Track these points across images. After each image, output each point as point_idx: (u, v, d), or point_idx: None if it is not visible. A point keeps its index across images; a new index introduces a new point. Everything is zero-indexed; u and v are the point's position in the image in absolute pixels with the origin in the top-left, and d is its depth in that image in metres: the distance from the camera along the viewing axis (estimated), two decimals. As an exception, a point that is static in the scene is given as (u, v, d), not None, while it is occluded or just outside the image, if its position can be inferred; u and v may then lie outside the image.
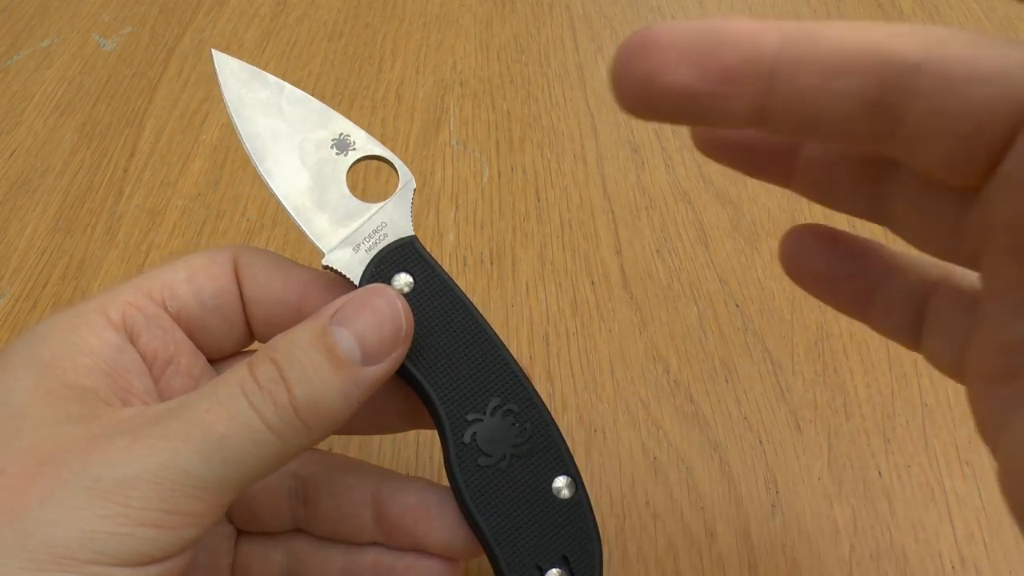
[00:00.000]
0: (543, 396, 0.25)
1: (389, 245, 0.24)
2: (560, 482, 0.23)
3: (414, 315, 0.23)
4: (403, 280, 0.23)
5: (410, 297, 0.23)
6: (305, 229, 0.24)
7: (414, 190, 0.24)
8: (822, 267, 0.23)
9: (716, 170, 0.43)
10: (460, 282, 0.24)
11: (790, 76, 0.18)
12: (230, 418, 0.19)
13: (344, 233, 0.24)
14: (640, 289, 0.38)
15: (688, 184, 0.42)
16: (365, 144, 0.25)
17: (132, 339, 0.22)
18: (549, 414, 0.24)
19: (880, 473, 0.31)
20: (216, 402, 0.19)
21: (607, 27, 0.52)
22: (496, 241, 0.40)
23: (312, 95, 0.25)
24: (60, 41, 0.52)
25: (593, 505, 0.24)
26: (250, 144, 0.24)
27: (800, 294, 0.37)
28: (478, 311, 0.24)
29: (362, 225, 0.24)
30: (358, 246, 0.24)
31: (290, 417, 0.20)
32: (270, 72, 0.25)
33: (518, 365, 0.24)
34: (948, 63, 0.17)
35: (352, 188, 0.24)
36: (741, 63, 0.18)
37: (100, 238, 0.41)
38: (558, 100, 0.47)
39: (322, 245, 0.24)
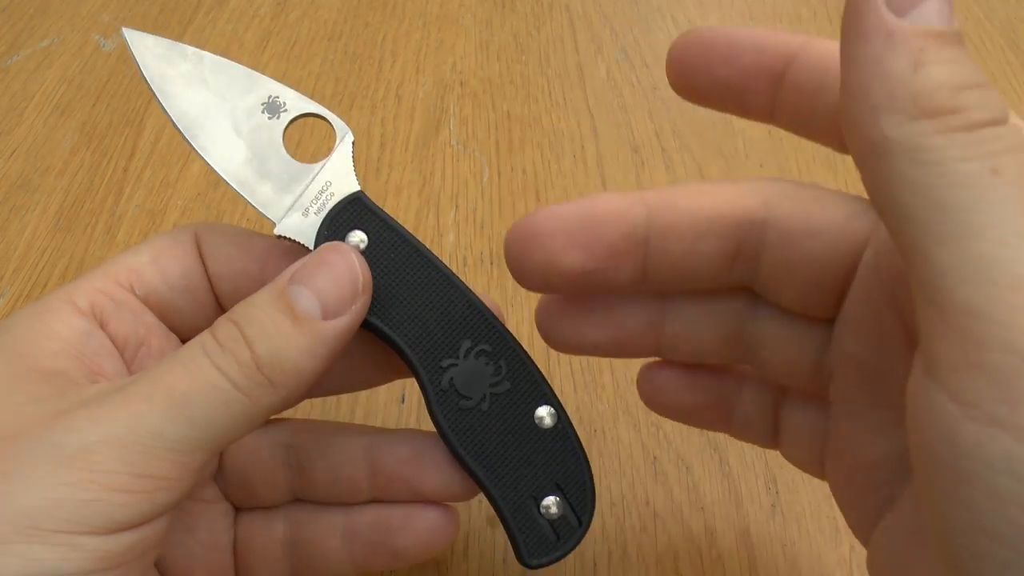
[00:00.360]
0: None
1: (337, 204, 0.23)
2: (542, 412, 0.23)
3: (372, 270, 0.23)
4: (357, 237, 0.23)
5: (366, 253, 0.23)
6: (251, 201, 0.23)
7: (353, 143, 0.24)
8: (682, 402, 0.24)
9: (716, 170, 0.43)
10: (460, 282, 0.24)
11: (662, 244, 0.21)
12: (192, 377, 0.19)
13: (290, 199, 0.23)
14: (640, 289, 0.38)
15: (688, 184, 0.42)
16: (296, 103, 0.24)
17: (102, 325, 0.22)
18: (523, 349, 0.24)
19: (880, 473, 0.31)
20: (177, 364, 0.19)
21: (607, 27, 0.52)
22: (496, 241, 0.40)
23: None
24: (60, 41, 0.52)
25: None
26: (180, 122, 0.23)
27: (800, 294, 0.37)
28: (437, 258, 0.24)
29: (307, 188, 0.23)
30: (307, 210, 0.23)
31: (254, 374, 0.20)
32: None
33: (485, 306, 0.24)
34: (786, 220, 0.20)
35: (291, 150, 0.24)
36: (619, 239, 0.21)
37: (100, 238, 0.41)
38: (558, 100, 0.47)
39: (271, 215, 0.23)
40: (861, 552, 0.30)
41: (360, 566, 0.25)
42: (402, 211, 0.41)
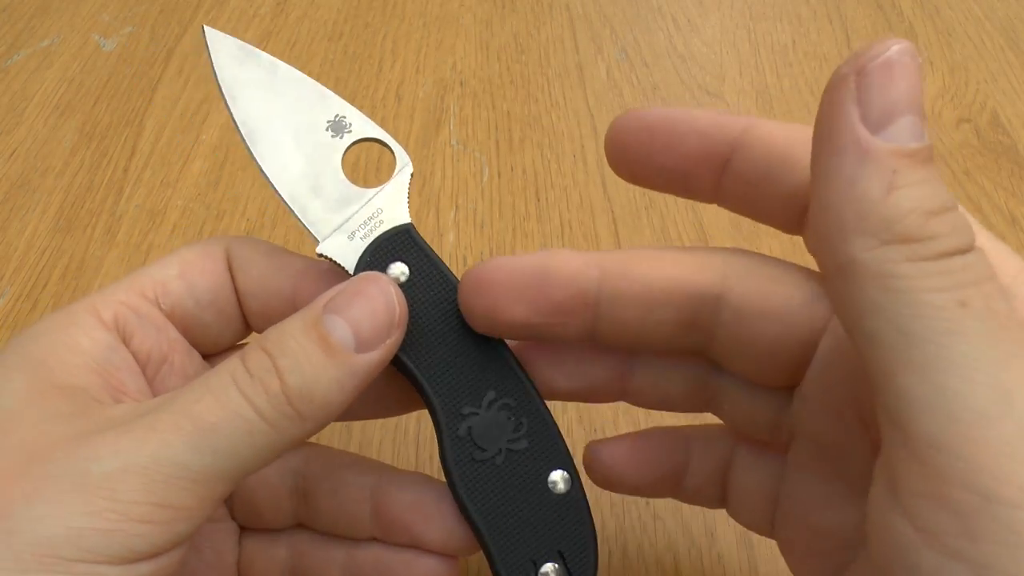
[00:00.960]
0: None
1: (385, 233, 0.23)
2: (556, 476, 0.23)
3: (409, 305, 0.22)
4: (398, 269, 0.23)
5: (405, 287, 0.23)
6: (299, 216, 0.23)
7: (411, 174, 0.24)
8: (631, 477, 0.24)
9: (716, 170, 0.43)
10: (460, 282, 0.24)
11: (612, 308, 0.21)
12: (221, 407, 0.19)
13: (338, 220, 0.23)
14: (640, 289, 0.38)
15: (688, 184, 0.42)
16: (362, 126, 0.24)
17: (125, 339, 0.22)
18: (546, 408, 0.23)
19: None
20: (206, 391, 0.19)
21: (607, 27, 0.52)
22: (496, 241, 0.40)
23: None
24: (60, 41, 0.52)
25: (593, 505, 0.23)
26: (243, 127, 0.23)
27: (800, 294, 0.37)
28: None
29: (357, 212, 0.23)
30: (353, 234, 0.23)
31: (283, 406, 0.19)
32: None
33: (515, 358, 0.23)
34: (742, 298, 0.20)
35: (348, 172, 0.24)
36: (567, 299, 0.21)
37: (100, 238, 0.41)
38: (558, 100, 0.47)
39: (316, 232, 0.23)
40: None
41: None
42: (402, 211, 0.41)
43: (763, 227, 0.39)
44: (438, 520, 0.23)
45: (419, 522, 0.23)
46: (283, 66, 0.24)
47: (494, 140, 0.45)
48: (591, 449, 0.24)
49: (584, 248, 0.39)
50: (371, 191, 0.24)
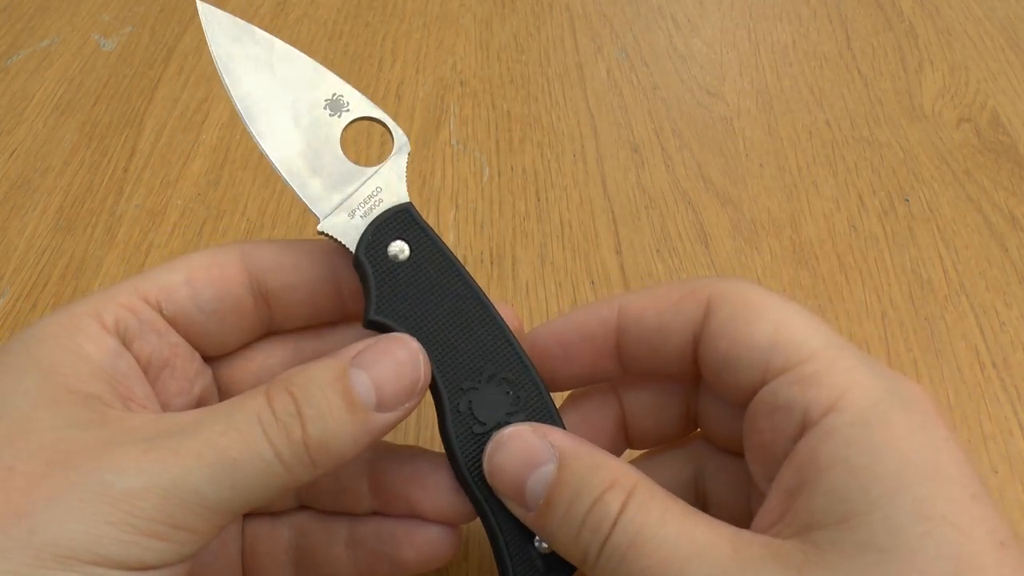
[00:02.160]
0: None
1: (386, 211, 0.23)
2: None
3: (410, 283, 0.23)
4: (399, 247, 0.23)
5: (406, 265, 0.23)
6: (299, 194, 0.23)
7: (409, 153, 0.24)
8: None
9: (716, 170, 0.43)
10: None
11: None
12: (245, 445, 0.19)
13: (338, 198, 0.23)
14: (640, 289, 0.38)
15: (688, 184, 0.42)
16: (359, 105, 0.24)
17: (126, 343, 0.22)
18: (542, 381, 0.24)
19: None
20: (231, 427, 0.19)
21: (607, 27, 0.52)
22: (496, 241, 0.40)
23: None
24: (60, 41, 0.52)
25: None
26: (241, 104, 0.23)
27: (799, 294, 0.37)
28: (474, 280, 0.24)
29: (357, 190, 0.23)
30: (353, 212, 0.23)
31: (300, 453, 0.20)
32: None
33: (512, 334, 0.24)
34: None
35: (345, 151, 0.24)
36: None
37: (100, 238, 0.41)
38: (558, 100, 0.47)
39: (317, 211, 0.23)
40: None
41: (363, 574, 0.25)
42: (402, 211, 0.41)
43: (761, 228, 0.40)
44: (434, 490, 0.24)
45: (416, 493, 0.24)
46: (279, 43, 0.24)
47: (494, 140, 0.45)
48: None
49: (584, 246, 0.39)
50: (370, 170, 0.24)
